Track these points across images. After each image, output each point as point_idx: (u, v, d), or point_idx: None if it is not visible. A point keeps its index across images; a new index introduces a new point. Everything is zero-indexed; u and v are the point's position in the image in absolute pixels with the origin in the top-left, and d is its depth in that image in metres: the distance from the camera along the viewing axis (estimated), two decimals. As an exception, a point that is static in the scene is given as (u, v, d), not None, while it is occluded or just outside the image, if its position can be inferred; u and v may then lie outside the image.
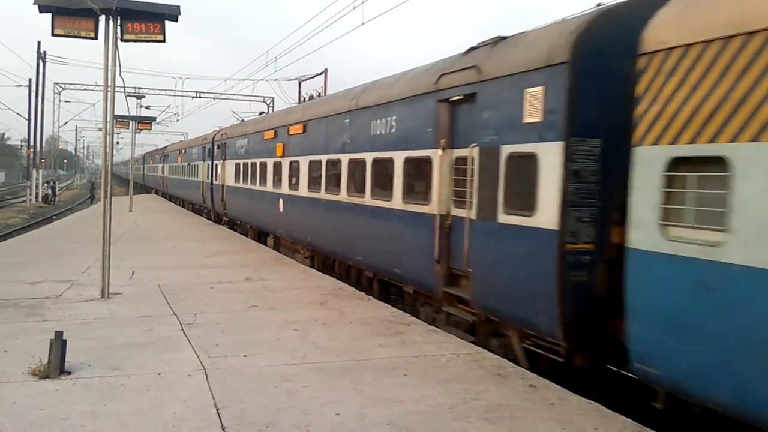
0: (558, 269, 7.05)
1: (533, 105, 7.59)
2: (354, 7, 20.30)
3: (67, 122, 71.96)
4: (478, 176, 8.59)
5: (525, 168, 7.63)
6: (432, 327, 9.46)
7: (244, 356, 7.65)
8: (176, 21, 10.79)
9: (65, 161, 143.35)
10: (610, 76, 6.95)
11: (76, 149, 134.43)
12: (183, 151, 40.06)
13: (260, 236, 21.78)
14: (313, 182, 14.98)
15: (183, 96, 52.26)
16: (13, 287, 11.63)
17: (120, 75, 11.11)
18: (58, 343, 6.79)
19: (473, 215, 8.66)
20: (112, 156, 11.40)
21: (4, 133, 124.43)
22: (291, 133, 16.91)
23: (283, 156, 17.43)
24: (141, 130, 38.81)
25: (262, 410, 5.94)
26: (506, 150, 8.02)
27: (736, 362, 5.12)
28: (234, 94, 50.85)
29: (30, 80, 49.99)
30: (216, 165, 27.91)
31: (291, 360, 7.56)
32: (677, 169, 5.67)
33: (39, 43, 47.65)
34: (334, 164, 13.81)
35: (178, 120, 62.71)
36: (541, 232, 7.31)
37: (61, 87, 55.69)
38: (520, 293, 7.69)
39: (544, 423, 5.84)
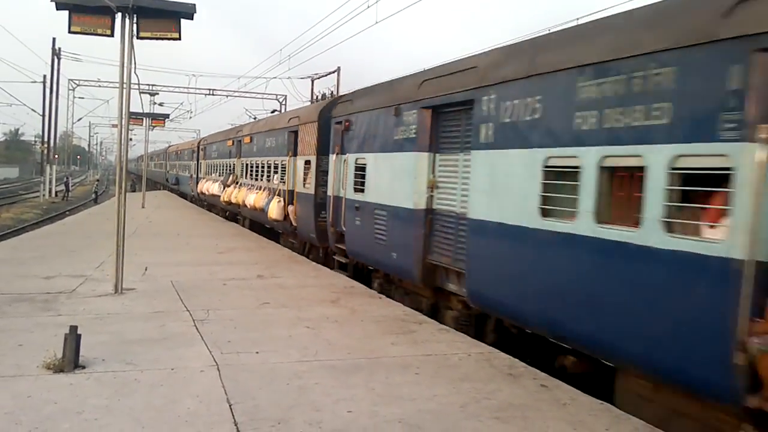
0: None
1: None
2: (368, 6, 20.32)
3: (80, 118, 72.05)
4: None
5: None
6: (444, 326, 9.47)
7: (257, 353, 7.68)
8: (192, 19, 10.83)
9: (78, 157, 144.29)
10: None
11: (89, 145, 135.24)
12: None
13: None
14: None
15: (196, 93, 52.48)
16: (28, 282, 11.73)
17: (135, 72, 11.19)
18: (73, 338, 6.84)
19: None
20: (127, 152, 11.48)
21: (18, 129, 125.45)
22: None
23: None
24: (154, 126, 39.00)
25: (274, 406, 5.96)
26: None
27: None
28: (247, 92, 51.02)
29: (45, 76, 50.37)
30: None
31: (303, 357, 7.58)
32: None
33: (54, 39, 47.96)
34: None
35: (190, 117, 63.05)
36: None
37: (75, 83, 56.06)
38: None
39: (556, 423, 5.84)
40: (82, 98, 63.90)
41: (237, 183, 26.23)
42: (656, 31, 6.31)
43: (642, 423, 5.92)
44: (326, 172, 15.60)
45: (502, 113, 8.50)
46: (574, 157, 7.05)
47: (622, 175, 6.65)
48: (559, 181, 7.34)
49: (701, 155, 5.65)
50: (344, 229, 13.88)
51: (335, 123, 15.05)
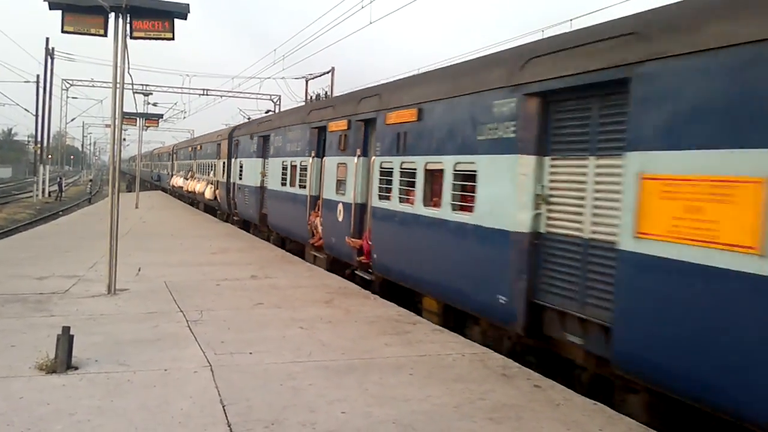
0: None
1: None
2: (362, 7, 20.35)
3: (74, 118, 71.93)
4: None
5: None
6: (437, 327, 9.48)
7: (250, 353, 7.67)
8: (185, 19, 10.82)
9: (72, 157, 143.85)
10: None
11: (83, 145, 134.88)
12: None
13: None
14: None
15: (190, 93, 52.44)
16: (20, 282, 11.68)
17: (128, 72, 11.16)
18: (65, 339, 6.81)
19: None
20: (120, 152, 11.44)
21: (11, 129, 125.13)
22: None
23: None
24: (148, 127, 38.89)
25: (267, 407, 5.96)
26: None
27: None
28: (241, 92, 50.95)
29: (38, 76, 50.27)
30: None
31: (297, 358, 7.58)
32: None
33: (47, 39, 47.83)
34: None
35: (184, 117, 63.00)
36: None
37: (68, 83, 55.91)
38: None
39: (550, 424, 5.84)
40: (76, 98, 63.87)
41: (193, 177, 36.99)
42: (295, 116, 18.20)
43: (635, 423, 5.94)
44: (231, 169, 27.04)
45: (275, 142, 19.26)
46: (285, 161, 17.87)
47: (295, 168, 17.03)
48: (284, 170, 17.89)
49: (304, 161, 16.43)
50: (236, 201, 25.35)
51: (233, 141, 26.40)
